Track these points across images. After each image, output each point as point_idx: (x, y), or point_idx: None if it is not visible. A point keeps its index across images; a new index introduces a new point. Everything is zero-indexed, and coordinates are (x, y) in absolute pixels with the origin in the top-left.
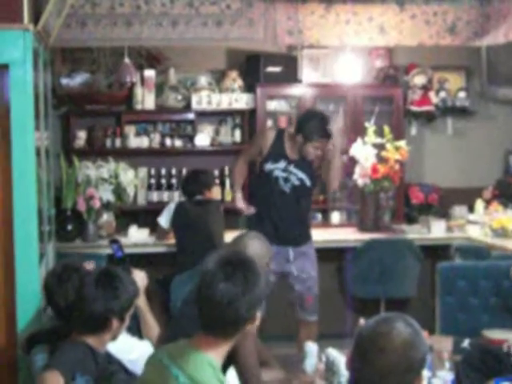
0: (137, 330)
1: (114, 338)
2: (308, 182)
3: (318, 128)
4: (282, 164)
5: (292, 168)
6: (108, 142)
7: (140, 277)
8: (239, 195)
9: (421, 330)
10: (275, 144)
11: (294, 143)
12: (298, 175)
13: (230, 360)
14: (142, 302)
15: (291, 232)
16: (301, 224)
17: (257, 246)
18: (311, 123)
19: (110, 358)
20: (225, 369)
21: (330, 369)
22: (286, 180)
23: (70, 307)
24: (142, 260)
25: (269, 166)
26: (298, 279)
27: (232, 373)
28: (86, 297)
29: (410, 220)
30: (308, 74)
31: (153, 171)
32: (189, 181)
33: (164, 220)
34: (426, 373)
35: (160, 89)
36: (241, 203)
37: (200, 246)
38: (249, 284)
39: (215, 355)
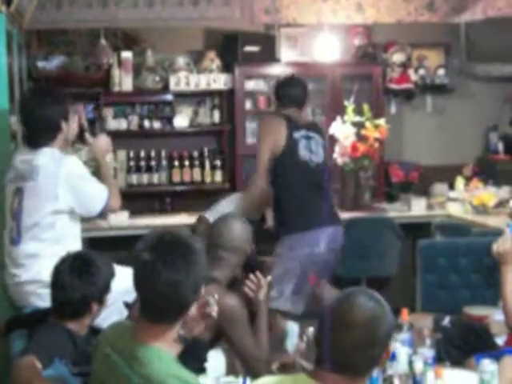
0: None
1: (94, 319)
2: None
3: None
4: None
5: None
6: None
7: (105, 140)
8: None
9: (384, 303)
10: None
11: None
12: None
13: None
14: (102, 161)
15: None
16: None
17: (240, 227)
18: None
19: (89, 340)
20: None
21: (311, 348)
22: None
23: None
24: (121, 243)
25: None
26: None
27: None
28: (63, 286)
29: (391, 198)
30: (286, 53)
31: (132, 154)
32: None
33: None
34: (406, 350)
35: (137, 70)
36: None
37: None
38: (189, 265)
39: (164, 345)
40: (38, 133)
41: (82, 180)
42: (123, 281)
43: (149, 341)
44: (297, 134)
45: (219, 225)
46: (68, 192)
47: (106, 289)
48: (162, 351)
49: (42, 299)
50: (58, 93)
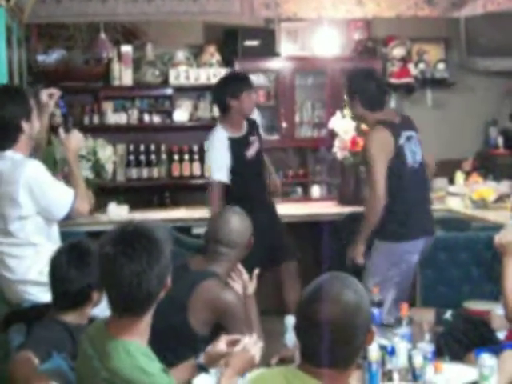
0: None
1: (95, 307)
2: None
3: None
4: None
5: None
6: (86, 119)
7: (77, 137)
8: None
9: (355, 283)
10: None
11: None
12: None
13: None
14: (72, 158)
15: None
16: None
17: (238, 222)
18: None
19: None
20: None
21: None
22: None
23: None
24: None
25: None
26: None
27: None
28: (61, 278)
29: None
30: (286, 47)
31: (131, 147)
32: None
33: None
34: (405, 344)
35: (137, 64)
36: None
37: None
38: (152, 256)
39: (133, 338)
40: None
41: (43, 185)
42: None
43: (117, 334)
44: (401, 140)
45: (217, 220)
46: (29, 198)
47: None
48: (131, 344)
49: (35, 296)
50: (16, 92)
